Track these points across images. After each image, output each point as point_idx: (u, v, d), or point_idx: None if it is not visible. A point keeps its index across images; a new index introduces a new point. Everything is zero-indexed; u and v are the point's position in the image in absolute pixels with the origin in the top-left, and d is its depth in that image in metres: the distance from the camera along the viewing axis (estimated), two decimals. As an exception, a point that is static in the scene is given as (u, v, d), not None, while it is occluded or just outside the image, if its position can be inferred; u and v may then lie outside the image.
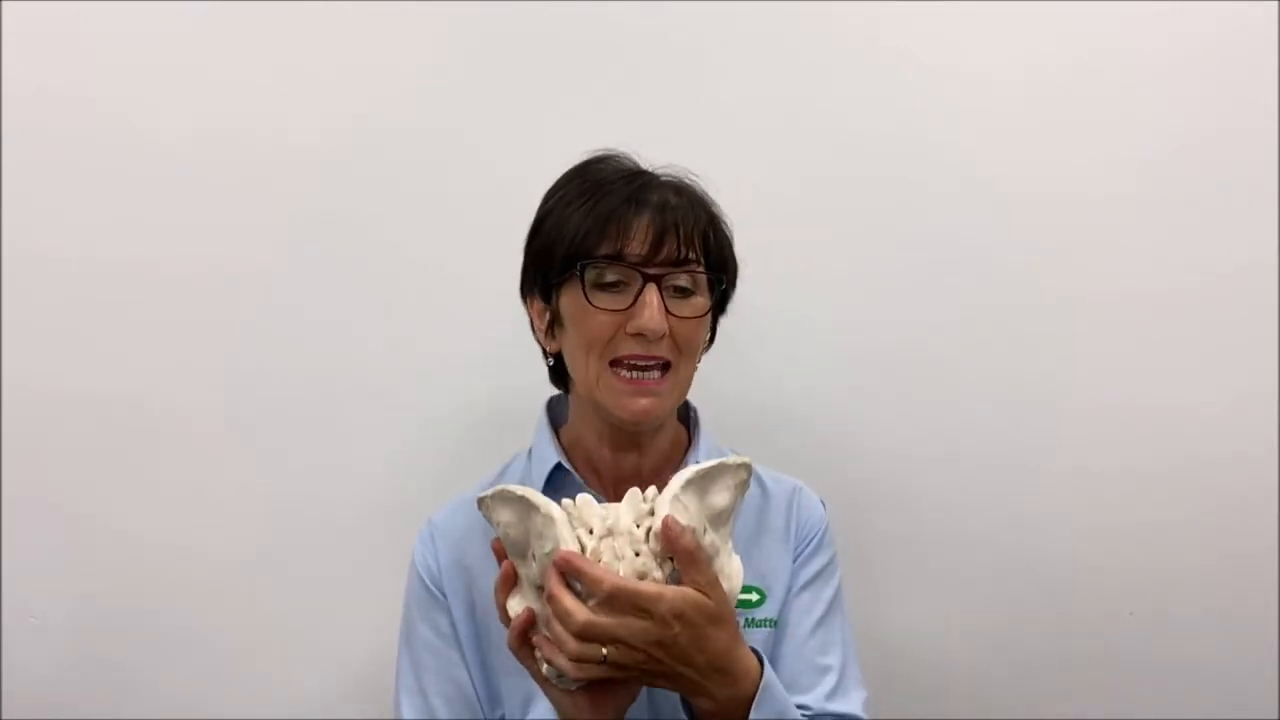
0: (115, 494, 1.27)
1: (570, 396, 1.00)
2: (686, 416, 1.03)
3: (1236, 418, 1.30)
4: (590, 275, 0.90)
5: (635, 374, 0.90)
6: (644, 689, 0.91)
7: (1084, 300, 1.29)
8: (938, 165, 1.28)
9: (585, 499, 0.80)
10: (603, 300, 0.90)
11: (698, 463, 0.82)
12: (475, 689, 0.95)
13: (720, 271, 0.94)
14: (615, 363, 0.91)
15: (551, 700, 0.83)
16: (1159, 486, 1.31)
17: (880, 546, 1.31)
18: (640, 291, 0.89)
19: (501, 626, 0.83)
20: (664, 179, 0.95)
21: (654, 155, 0.96)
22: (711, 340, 1.00)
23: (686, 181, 0.96)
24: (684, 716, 0.86)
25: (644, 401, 0.90)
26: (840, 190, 1.29)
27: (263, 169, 1.26)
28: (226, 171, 1.25)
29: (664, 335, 0.89)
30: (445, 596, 0.96)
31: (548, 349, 0.98)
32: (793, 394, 1.29)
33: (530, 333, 1.00)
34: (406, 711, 0.95)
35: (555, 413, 1.02)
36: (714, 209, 0.96)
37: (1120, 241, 1.29)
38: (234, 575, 1.28)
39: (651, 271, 0.89)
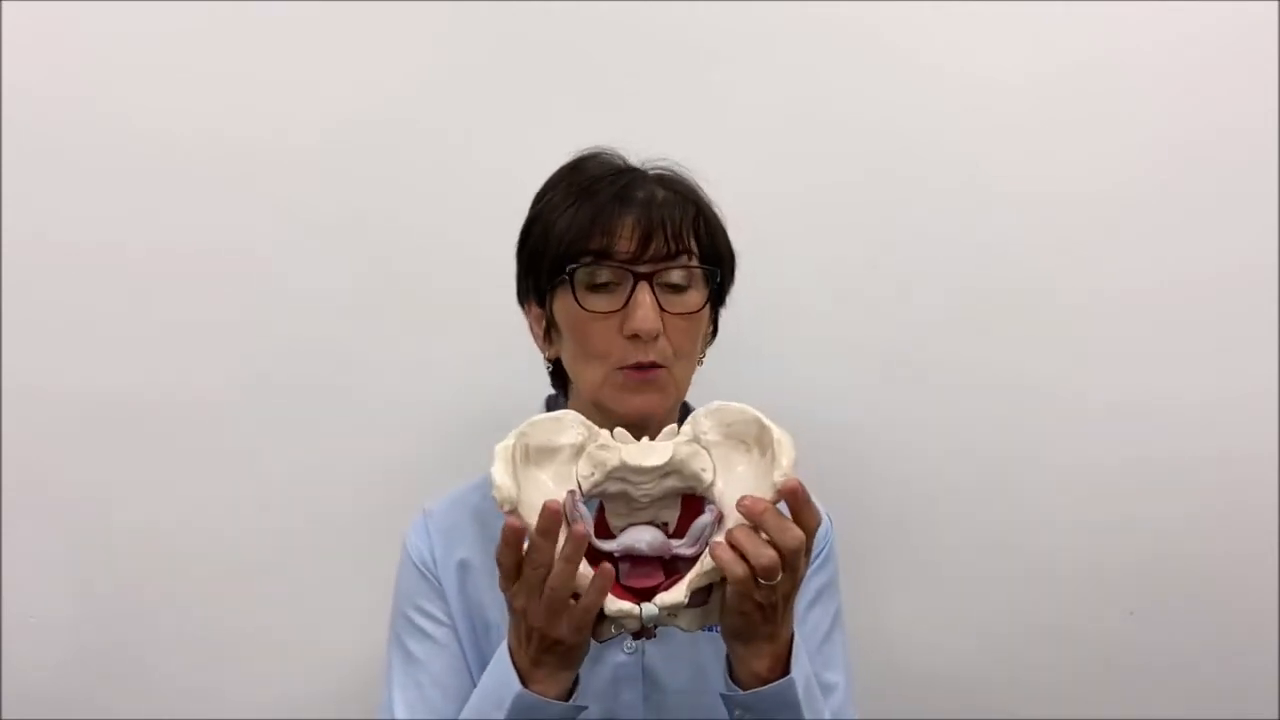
0: (114, 493, 1.27)
1: (568, 399, 0.99)
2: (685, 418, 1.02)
3: (1238, 417, 1.30)
4: (581, 277, 0.89)
5: (636, 369, 0.89)
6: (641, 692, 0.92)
7: (1086, 299, 1.29)
8: (939, 165, 1.28)
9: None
10: (595, 303, 0.89)
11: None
12: (474, 681, 0.92)
13: (714, 264, 0.93)
14: (618, 369, 0.89)
15: (545, 670, 0.79)
16: (1159, 486, 1.31)
17: (877, 545, 1.31)
18: (632, 291, 0.88)
19: (499, 620, 0.82)
20: (651, 173, 0.93)
21: (656, 155, 0.95)
22: (714, 333, 0.99)
23: (675, 173, 0.94)
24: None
25: (647, 397, 0.90)
26: (843, 191, 1.29)
27: (263, 168, 1.25)
28: (226, 170, 1.25)
29: (659, 334, 0.88)
30: (441, 584, 0.96)
31: (546, 354, 0.98)
32: (792, 394, 1.29)
33: (524, 335, 0.99)
34: (400, 709, 0.93)
35: (554, 408, 1.01)
36: (704, 200, 0.94)
37: (1123, 240, 1.29)
38: (234, 576, 1.28)
39: (642, 269, 0.88)
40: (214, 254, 1.25)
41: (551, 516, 0.74)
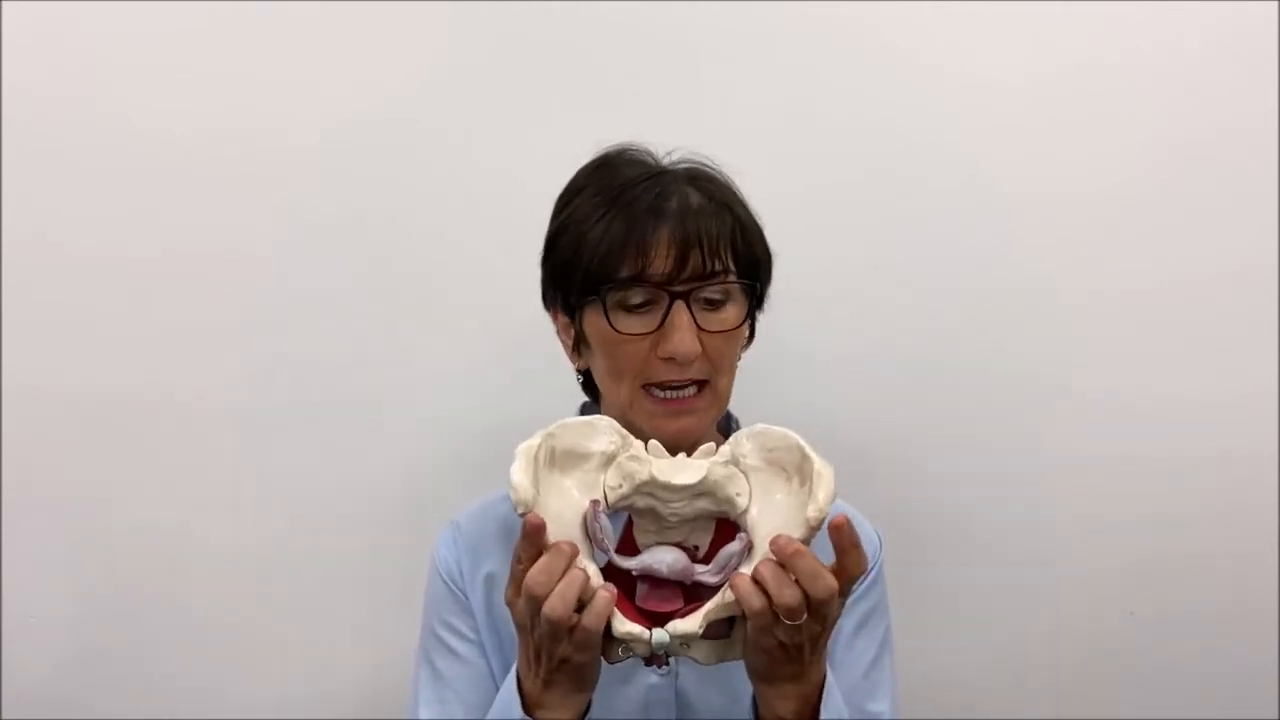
0: (114, 493, 1.27)
1: (601, 409, 0.95)
2: (727, 427, 0.96)
3: (1238, 417, 1.30)
4: (613, 299, 0.84)
5: (670, 394, 0.85)
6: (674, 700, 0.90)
7: (1086, 299, 1.29)
8: (939, 165, 1.28)
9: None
10: (628, 324, 0.84)
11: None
12: None
13: (752, 273, 0.88)
14: (647, 385, 0.86)
15: (557, 693, 0.77)
16: (1159, 486, 1.31)
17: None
18: (668, 311, 0.83)
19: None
20: (682, 170, 0.89)
21: (686, 148, 0.92)
22: (751, 338, 0.94)
23: (706, 170, 0.90)
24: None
25: (681, 422, 0.86)
26: (843, 191, 1.28)
27: (263, 168, 1.25)
28: (226, 170, 1.25)
29: (697, 356, 0.84)
30: (468, 598, 0.93)
31: (576, 366, 0.94)
32: (789, 393, 1.29)
33: (539, 341, 0.97)
34: None
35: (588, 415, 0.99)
36: (739, 201, 0.90)
37: (1123, 240, 1.29)
38: (234, 576, 1.28)
39: (678, 289, 0.83)
40: (214, 254, 1.25)
41: (534, 531, 0.71)
